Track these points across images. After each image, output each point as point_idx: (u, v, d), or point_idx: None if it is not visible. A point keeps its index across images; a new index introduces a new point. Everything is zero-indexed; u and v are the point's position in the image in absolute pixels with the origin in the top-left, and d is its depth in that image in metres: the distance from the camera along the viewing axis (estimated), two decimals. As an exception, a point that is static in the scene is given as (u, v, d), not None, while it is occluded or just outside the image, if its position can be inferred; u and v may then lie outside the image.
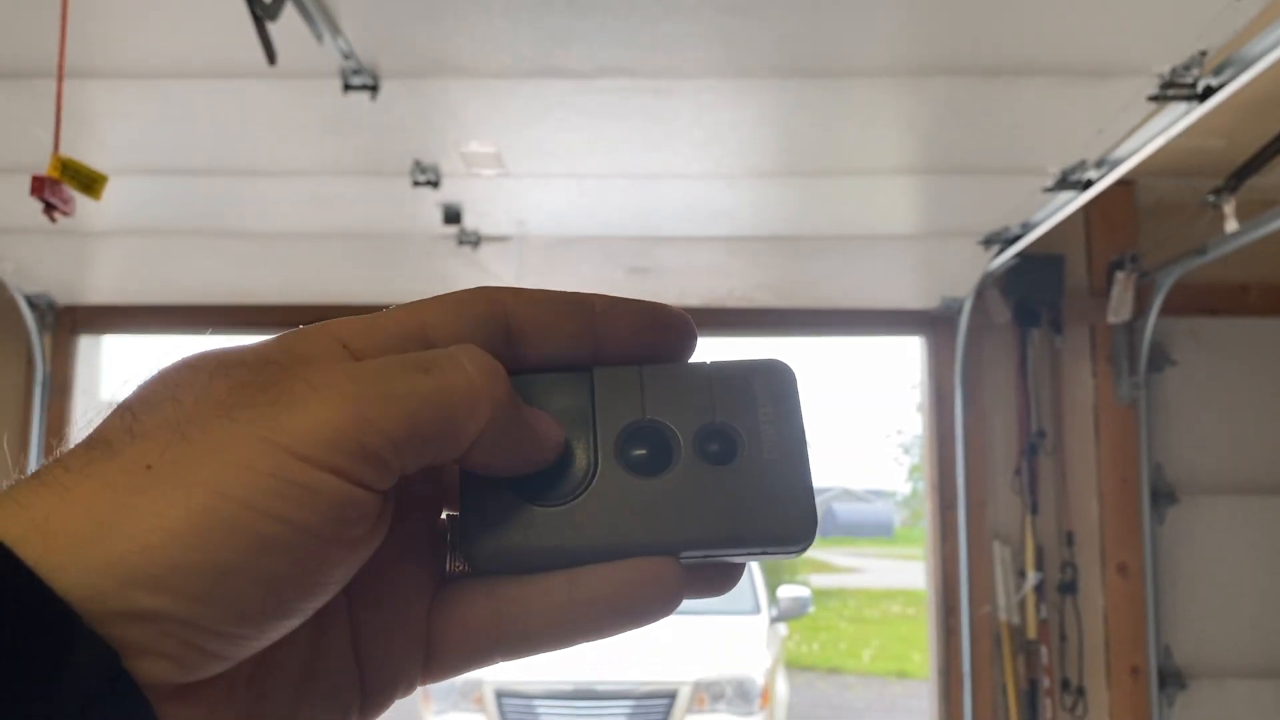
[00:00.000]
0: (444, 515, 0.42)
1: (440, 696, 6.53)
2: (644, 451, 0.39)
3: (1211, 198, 3.26)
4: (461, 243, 3.69)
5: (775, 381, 0.40)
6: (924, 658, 4.90)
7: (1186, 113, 2.39)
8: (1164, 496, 3.99)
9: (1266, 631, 3.97)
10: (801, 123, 2.77)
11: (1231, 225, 3.16)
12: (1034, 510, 3.98)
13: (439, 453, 0.35)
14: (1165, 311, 3.91)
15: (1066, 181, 2.94)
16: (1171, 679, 3.92)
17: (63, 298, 4.15)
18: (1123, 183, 3.87)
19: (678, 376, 0.41)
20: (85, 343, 4.28)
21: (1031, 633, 3.94)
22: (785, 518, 0.38)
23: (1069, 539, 3.97)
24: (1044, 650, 3.92)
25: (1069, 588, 3.95)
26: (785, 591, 8.03)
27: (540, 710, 6.28)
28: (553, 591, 0.38)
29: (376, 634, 0.39)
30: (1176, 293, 3.86)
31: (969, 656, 3.98)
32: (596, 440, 0.39)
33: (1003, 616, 3.97)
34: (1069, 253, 4.04)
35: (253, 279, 4.07)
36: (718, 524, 0.38)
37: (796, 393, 0.40)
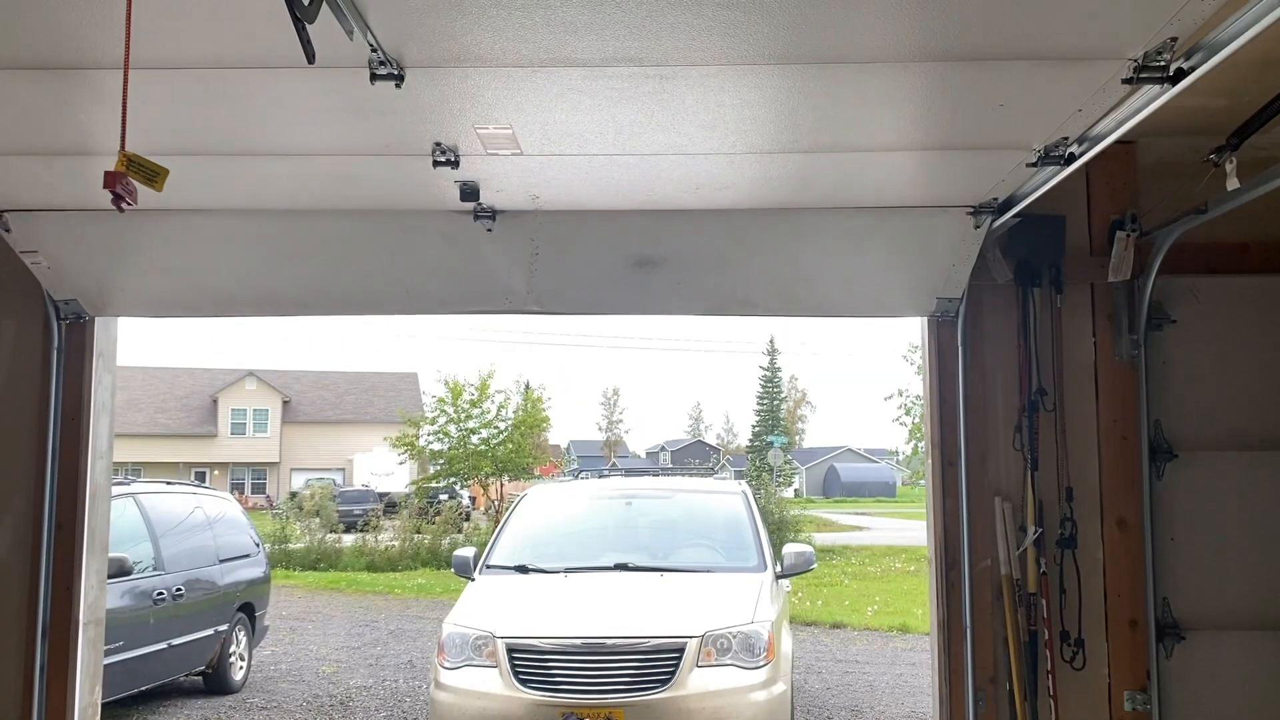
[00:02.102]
0: None
1: (454, 651, 6.64)
2: None
3: (1213, 156, 3.29)
4: (478, 217, 3.84)
5: None
6: (926, 613, 4.99)
7: (1160, 94, 2.56)
8: (1162, 452, 4.05)
9: (1263, 584, 4.05)
10: (799, 105, 2.92)
11: (1233, 183, 3.19)
12: (1034, 466, 4.05)
13: None
14: (1165, 270, 3.95)
15: (1049, 156, 3.11)
16: (1169, 631, 4.00)
17: (89, 291, 4.20)
18: (1123, 143, 3.91)
19: None
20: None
21: (1032, 586, 4.02)
22: None
23: (1069, 494, 4.04)
24: (1044, 603, 4.01)
25: (1069, 542, 4.02)
26: (790, 548, 8.12)
27: (551, 664, 6.39)
28: None
29: None
30: (1176, 252, 3.90)
31: (969, 609, 4.06)
32: None
33: (1003, 570, 4.05)
34: (1070, 213, 4.07)
35: (280, 253, 4.15)
36: None
37: None
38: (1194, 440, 4.06)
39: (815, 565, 8.36)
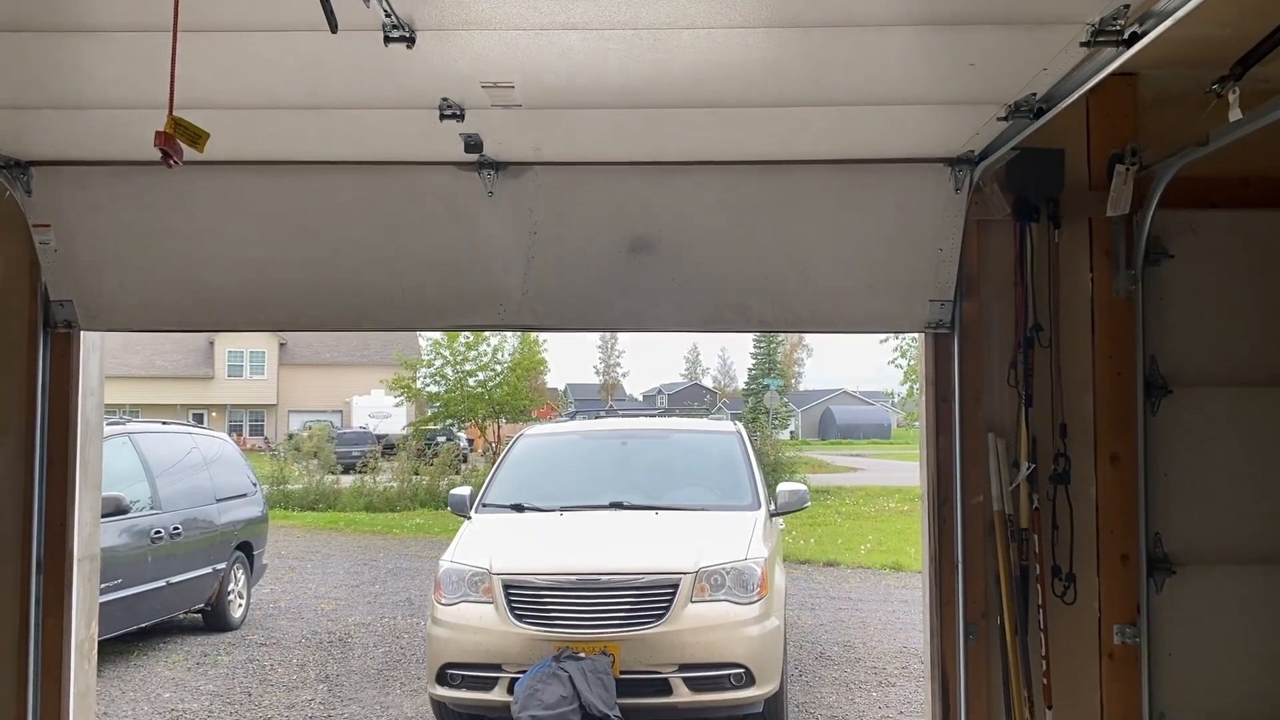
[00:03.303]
0: None
1: (451, 588, 6.71)
2: None
3: (1216, 87, 3.24)
4: (482, 168, 3.98)
5: None
6: (918, 551, 5.03)
7: (1116, 55, 2.80)
8: (1157, 388, 4.04)
9: (1255, 519, 4.06)
10: (785, 64, 3.11)
11: (1235, 114, 3.15)
12: (1029, 403, 4.04)
13: None
14: (1164, 204, 3.90)
15: (1019, 110, 3.34)
16: (1160, 565, 4.02)
17: (86, 285, 4.19)
18: (1125, 75, 3.85)
19: None
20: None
21: (1024, 522, 4.03)
22: None
23: (1063, 430, 4.03)
24: (1036, 538, 4.02)
25: (1062, 478, 4.02)
26: (784, 487, 8.17)
27: (547, 600, 6.45)
28: None
29: None
30: (1176, 186, 3.86)
31: (961, 545, 4.07)
32: None
33: (996, 506, 4.05)
34: (1069, 146, 4.02)
35: (280, 227, 4.17)
36: None
37: None
38: (1189, 376, 4.05)
39: (809, 504, 8.43)
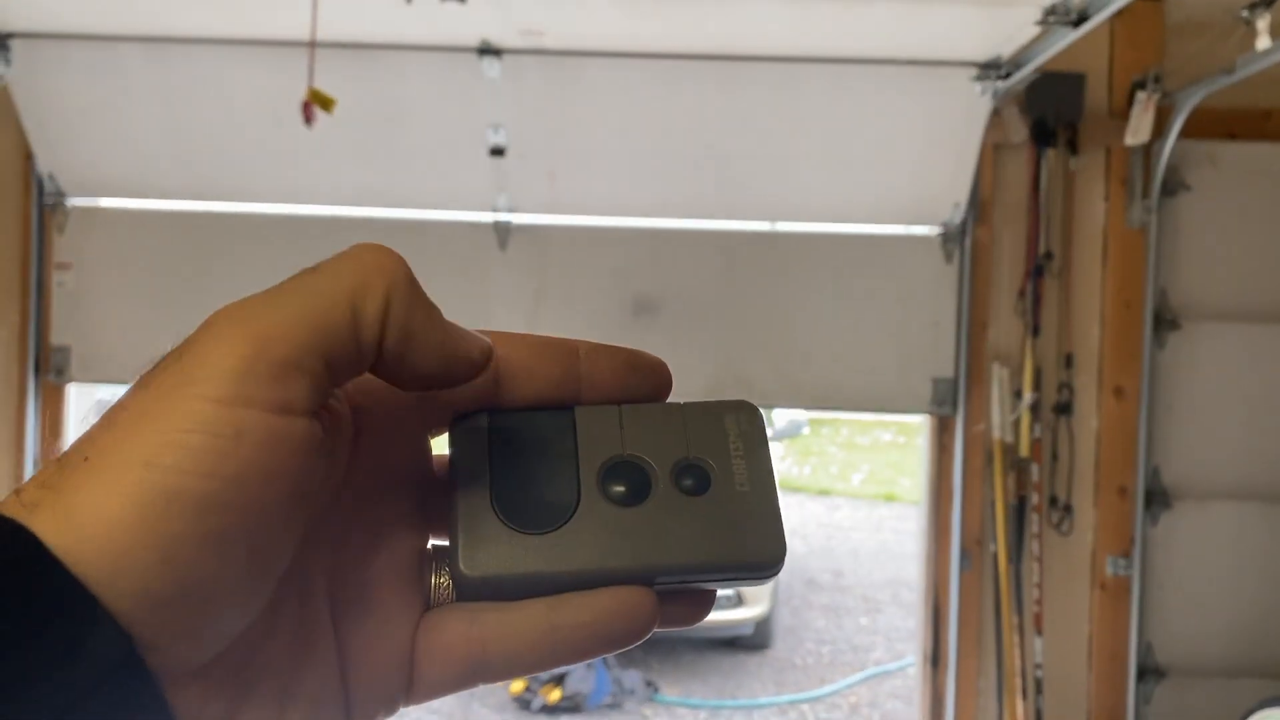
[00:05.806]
0: (430, 545, 0.43)
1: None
2: (623, 484, 0.41)
3: (1245, 14, 3.15)
4: (497, 223, 4.08)
5: (744, 420, 0.44)
6: (912, 482, 5.03)
7: (1068, 33, 3.20)
8: (1166, 322, 4.00)
9: (1254, 455, 4.06)
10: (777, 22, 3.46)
11: (1263, 42, 3.07)
12: (1035, 332, 4.01)
13: (351, 346, 0.36)
14: (1184, 135, 3.83)
15: (986, 71, 3.71)
16: (1158, 499, 4.03)
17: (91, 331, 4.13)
18: (1151, -1, 3.75)
19: (654, 415, 0.43)
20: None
21: (1024, 451, 4.02)
22: (756, 543, 0.41)
23: (1068, 361, 4.01)
24: (1035, 468, 4.02)
25: (1064, 409, 4.01)
26: (779, 414, 8.19)
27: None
28: (534, 618, 0.39)
29: (362, 651, 0.39)
30: (1197, 116, 3.78)
31: (960, 473, 4.08)
32: (579, 474, 0.42)
33: (997, 435, 4.05)
34: (1091, 71, 3.93)
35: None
36: (691, 550, 0.40)
37: (764, 430, 0.44)
38: (1199, 310, 4.02)
39: (806, 430, 8.47)
